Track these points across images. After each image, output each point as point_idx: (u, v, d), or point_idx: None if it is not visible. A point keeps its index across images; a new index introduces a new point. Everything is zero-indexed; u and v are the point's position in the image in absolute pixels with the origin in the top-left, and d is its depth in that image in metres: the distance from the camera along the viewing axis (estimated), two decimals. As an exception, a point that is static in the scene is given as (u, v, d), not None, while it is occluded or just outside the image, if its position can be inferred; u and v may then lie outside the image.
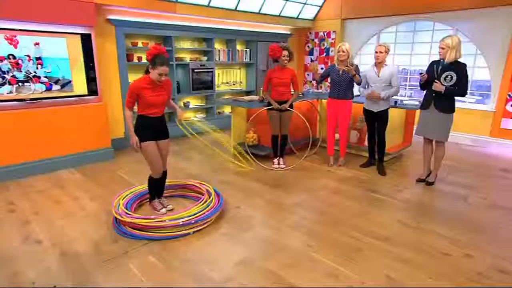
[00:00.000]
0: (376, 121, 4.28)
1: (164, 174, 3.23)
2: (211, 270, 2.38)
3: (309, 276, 2.32)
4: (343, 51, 4.16)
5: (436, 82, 3.56)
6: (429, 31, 6.29)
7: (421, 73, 3.71)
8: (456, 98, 3.66)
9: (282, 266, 2.43)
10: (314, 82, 8.15)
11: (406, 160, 4.94)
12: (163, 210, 3.18)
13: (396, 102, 4.67)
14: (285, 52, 4.23)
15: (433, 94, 3.64)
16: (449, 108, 3.64)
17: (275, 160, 4.61)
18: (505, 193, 3.79)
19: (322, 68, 7.93)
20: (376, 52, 4.08)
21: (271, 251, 2.63)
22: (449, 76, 3.52)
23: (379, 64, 4.10)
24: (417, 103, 4.80)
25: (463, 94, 3.56)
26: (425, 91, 3.82)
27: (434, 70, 3.64)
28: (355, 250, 2.64)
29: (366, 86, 4.25)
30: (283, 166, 4.56)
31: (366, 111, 4.33)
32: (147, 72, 2.89)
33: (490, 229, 3.02)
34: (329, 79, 4.50)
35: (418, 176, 4.12)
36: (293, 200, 3.57)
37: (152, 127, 2.97)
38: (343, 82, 4.29)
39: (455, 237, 2.84)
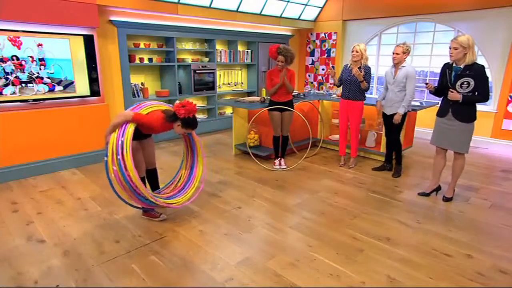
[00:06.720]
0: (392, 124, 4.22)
1: (152, 172, 3.15)
2: (212, 270, 2.40)
3: (310, 276, 2.34)
4: (357, 51, 4.14)
5: (452, 91, 3.17)
6: (430, 32, 6.30)
7: (426, 83, 3.44)
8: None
9: (283, 266, 2.45)
10: (315, 83, 8.18)
11: (407, 161, 4.93)
12: (163, 216, 3.12)
13: None
14: (281, 58, 4.09)
15: (450, 102, 3.25)
16: (469, 117, 3.22)
17: (276, 161, 4.63)
18: (506, 194, 3.79)
19: (323, 69, 7.97)
20: (392, 53, 3.96)
21: (272, 251, 2.64)
22: (466, 83, 3.10)
23: (396, 65, 4.01)
24: (418, 104, 4.80)
25: (484, 100, 3.13)
26: (442, 97, 3.46)
27: (447, 75, 3.23)
28: (356, 250, 2.65)
29: (386, 88, 4.15)
30: (284, 166, 4.58)
31: (383, 114, 4.26)
32: (167, 118, 2.79)
33: (491, 230, 3.02)
34: None
35: (423, 189, 3.76)
36: (294, 201, 3.58)
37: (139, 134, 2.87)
38: (353, 82, 4.25)
39: (455, 238, 2.85)
